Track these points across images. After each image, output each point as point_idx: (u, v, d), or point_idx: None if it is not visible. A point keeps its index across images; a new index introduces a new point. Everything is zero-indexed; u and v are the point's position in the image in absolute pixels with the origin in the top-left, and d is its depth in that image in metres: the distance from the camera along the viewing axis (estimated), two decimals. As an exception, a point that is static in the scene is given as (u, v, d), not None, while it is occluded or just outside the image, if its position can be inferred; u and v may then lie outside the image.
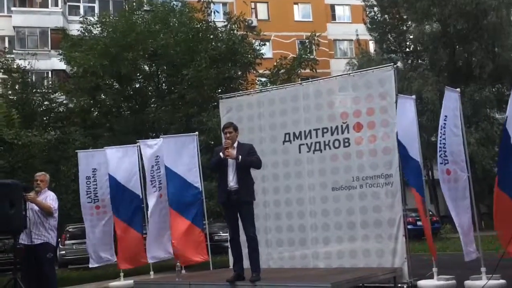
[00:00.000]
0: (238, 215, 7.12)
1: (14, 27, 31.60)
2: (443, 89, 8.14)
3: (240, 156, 6.99)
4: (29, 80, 18.35)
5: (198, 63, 16.07)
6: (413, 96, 8.29)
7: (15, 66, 17.82)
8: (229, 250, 8.95)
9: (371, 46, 32.44)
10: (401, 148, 7.71)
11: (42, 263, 7.81)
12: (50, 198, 8.05)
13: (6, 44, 31.07)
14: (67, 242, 19.57)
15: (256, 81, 19.49)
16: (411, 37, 26.61)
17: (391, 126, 8.01)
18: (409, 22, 26.62)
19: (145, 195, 10.77)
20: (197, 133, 10.86)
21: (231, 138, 7.15)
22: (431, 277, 7.61)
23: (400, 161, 7.80)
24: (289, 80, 16.53)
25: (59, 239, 20.14)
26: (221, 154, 7.07)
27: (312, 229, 8.72)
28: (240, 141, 7.39)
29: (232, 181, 7.03)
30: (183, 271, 9.36)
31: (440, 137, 7.67)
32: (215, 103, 15.62)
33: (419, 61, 27.09)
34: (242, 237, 7.19)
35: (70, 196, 14.64)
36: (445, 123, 7.68)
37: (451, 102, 7.87)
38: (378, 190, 8.15)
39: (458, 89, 8.22)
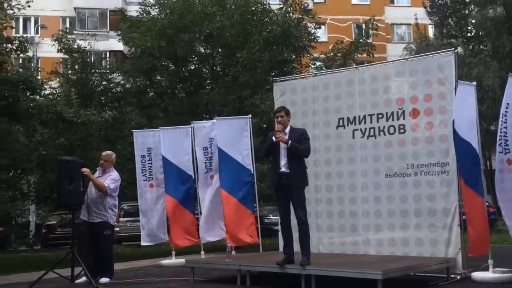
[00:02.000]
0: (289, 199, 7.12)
1: (74, 8, 32.47)
2: (504, 76, 7.82)
3: (290, 141, 6.97)
4: (88, 60, 18.84)
5: (252, 45, 16.06)
6: (474, 83, 8.01)
7: (75, 47, 18.31)
8: (279, 233, 9.03)
9: (430, 31, 31.51)
10: (457, 137, 7.42)
11: (99, 240, 8.08)
12: (110, 178, 8.26)
13: (67, 25, 31.95)
14: (121, 219, 20.14)
15: (311, 65, 19.32)
16: (473, 21, 25.68)
17: (449, 113, 7.78)
18: (472, 6, 25.68)
19: (197, 176, 10.92)
20: (250, 115, 10.88)
21: (283, 122, 7.14)
22: (486, 269, 7.39)
23: (458, 151, 7.52)
24: (344, 65, 16.31)
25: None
26: (273, 138, 7.07)
27: (364, 215, 8.62)
28: (293, 126, 7.37)
29: (283, 165, 7.04)
30: (233, 252, 9.47)
31: (501, 125, 7.36)
32: (268, 86, 15.61)
33: (481, 47, 26.15)
34: (294, 221, 7.20)
35: (125, 175, 14.99)
36: (506, 111, 7.37)
37: (514, 90, 7.55)
38: (433, 178, 7.96)
39: (523, 76, 7.88)
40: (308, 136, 7.28)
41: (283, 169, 7.05)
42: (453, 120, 7.47)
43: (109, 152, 8.56)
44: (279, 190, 7.24)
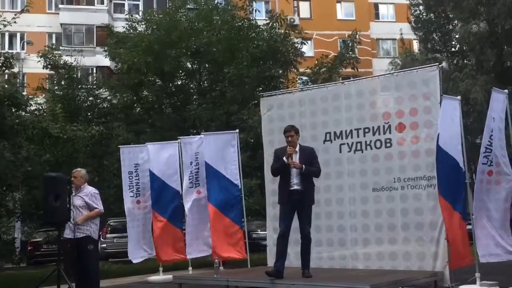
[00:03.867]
0: (296, 214, 7.22)
1: (61, 24, 32.39)
2: (490, 90, 7.92)
3: (304, 166, 7.11)
4: (75, 76, 18.78)
5: (239, 61, 16.12)
6: (458, 97, 8.10)
7: (61, 62, 18.26)
8: (267, 248, 9.01)
9: (415, 46, 31.85)
10: (440, 151, 7.46)
11: (83, 255, 7.98)
12: (92, 199, 8.11)
13: (54, 41, 31.87)
14: (108, 235, 19.95)
15: (297, 80, 19.43)
16: (457, 36, 25.98)
17: (435, 127, 7.83)
18: (455, 21, 26.01)
19: (184, 190, 10.87)
20: (237, 130, 10.90)
21: (293, 142, 7.22)
22: (474, 282, 7.42)
23: (439, 166, 7.53)
24: (330, 79, 16.42)
25: (101, 233, 20.60)
26: (284, 159, 7.17)
27: (352, 229, 8.63)
28: (301, 144, 7.46)
29: (295, 183, 7.18)
30: (221, 268, 9.41)
31: (489, 138, 7.45)
32: (256, 101, 15.66)
33: (465, 62, 26.45)
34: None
35: (112, 191, 14.93)
36: (494, 125, 7.47)
37: (498, 104, 7.65)
38: (420, 192, 8.00)
39: (506, 91, 7.99)
40: (317, 155, 7.45)
41: (295, 187, 7.17)
42: (438, 134, 7.53)
43: (78, 168, 8.47)
44: (288, 206, 7.29)
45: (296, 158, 7.23)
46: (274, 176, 7.78)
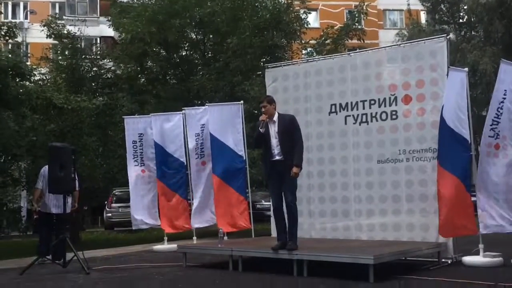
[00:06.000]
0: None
1: (64, -7, 32.08)
2: (499, 62, 7.81)
3: (294, 166, 6.92)
4: (78, 46, 18.62)
5: (242, 31, 15.98)
6: (466, 69, 8.01)
7: (65, 32, 18.11)
8: (271, 219, 9.05)
9: (422, 17, 31.47)
10: (443, 122, 7.41)
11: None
12: None
13: (57, 10, 31.59)
14: (113, 205, 20.13)
15: (302, 51, 19.24)
16: (465, 7, 25.66)
17: (441, 99, 7.78)
18: (464, -8, 25.67)
19: (189, 162, 10.90)
20: (242, 102, 10.87)
21: (266, 112, 7.12)
22: (477, 253, 7.46)
23: (442, 137, 7.48)
24: (335, 51, 16.23)
25: (106, 202, 20.77)
26: (260, 129, 7.08)
27: (356, 201, 8.67)
28: (284, 112, 7.36)
29: (277, 154, 7.08)
30: (225, 238, 9.48)
31: (498, 110, 7.36)
32: (259, 72, 15.55)
33: (473, 33, 26.17)
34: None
35: (116, 161, 14.94)
36: (504, 98, 7.37)
37: (508, 76, 7.55)
38: (425, 164, 8.01)
39: (515, 62, 7.88)
40: (297, 123, 7.27)
41: (277, 157, 7.08)
42: (442, 106, 7.47)
43: None
44: (272, 178, 7.25)
45: (275, 127, 7.13)
46: (255, 147, 7.74)
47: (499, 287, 5.82)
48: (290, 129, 7.10)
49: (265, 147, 7.23)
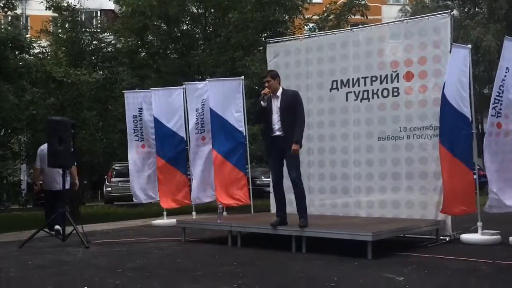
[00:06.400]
0: (284, 161, 7.10)
1: (64, -35, 31.63)
2: (503, 39, 7.71)
3: (294, 143, 6.83)
4: (78, 19, 18.46)
5: (243, 5, 15.82)
6: (469, 46, 7.92)
7: (64, 4, 17.92)
8: (271, 195, 9.06)
9: (426, -8, 31.10)
10: (444, 100, 7.35)
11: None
12: None
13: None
14: (113, 179, 20.18)
15: (304, 26, 19.07)
16: (469, -17, 25.37)
17: (443, 76, 7.70)
18: (468, -33, 25.35)
19: (189, 137, 10.87)
20: (242, 77, 10.80)
21: (270, 87, 7.04)
22: (475, 231, 7.47)
23: (443, 115, 7.43)
24: (338, 27, 16.10)
25: (105, 176, 20.82)
26: (262, 102, 7.00)
27: (355, 178, 8.66)
28: (285, 88, 7.29)
29: (277, 129, 7.02)
30: (225, 213, 9.51)
31: (499, 88, 7.29)
32: (261, 47, 15.42)
33: (476, 9, 25.90)
34: (286, 183, 7.20)
35: (117, 136, 14.92)
36: (506, 75, 7.29)
37: (511, 53, 7.45)
38: (426, 141, 7.97)
39: (519, 39, 7.78)
40: (300, 99, 7.15)
41: (277, 133, 7.03)
42: (444, 83, 7.41)
43: None
44: (272, 153, 7.21)
45: (277, 103, 7.05)
46: (256, 123, 7.67)
47: (497, 265, 5.84)
48: (292, 105, 6.99)
49: (266, 122, 7.18)
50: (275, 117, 7.03)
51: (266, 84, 7.06)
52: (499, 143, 7.35)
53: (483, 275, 5.30)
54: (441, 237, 7.64)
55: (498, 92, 7.29)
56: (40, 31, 17.68)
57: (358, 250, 6.36)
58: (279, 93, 7.09)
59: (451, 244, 7.42)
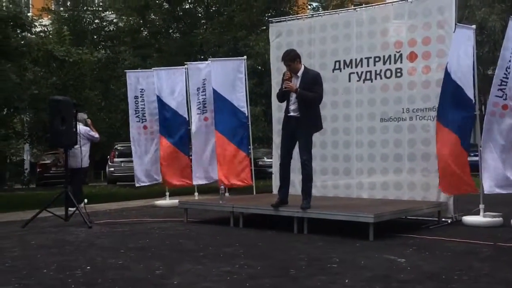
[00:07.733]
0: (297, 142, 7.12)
1: None
2: (508, 19, 7.61)
3: (298, 89, 6.86)
4: (80, -3, 18.40)
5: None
6: (473, 26, 7.83)
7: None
8: (273, 175, 9.06)
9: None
10: (447, 78, 7.29)
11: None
12: None
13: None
14: (115, 159, 20.19)
15: (307, 6, 18.92)
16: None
17: (447, 57, 7.63)
18: None
19: (191, 117, 10.83)
20: (245, 57, 10.72)
21: (292, 69, 6.98)
22: (477, 213, 7.48)
23: (444, 93, 7.38)
24: (341, 6, 15.98)
25: (108, 156, 20.86)
26: (282, 85, 6.97)
27: (358, 159, 8.65)
28: (307, 67, 7.24)
29: (293, 110, 7.02)
30: (227, 194, 9.52)
31: (505, 70, 7.20)
32: (264, 27, 15.31)
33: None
34: (292, 164, 7.24)
35: (119, 116, 14.92)
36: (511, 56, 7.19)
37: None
38: (429, 123, 7.93)
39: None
40: (321, 81, 7.08)
41: (292, 113, 7.03)
42: (447, 63, 7.34)
43: None
44: (285, 132, 7.22)
45: (297, 83, 6.99)
46: (279, 102, 7.66)
47: (498, 247, 5.85)
48: (311, 86, 6.95)
49: (286, 102, 7.18)
50: (293, 98, 7.02)
51: (288, 68, 7.01)
52: (502, 124, 7.27)
53: (484, 257, 5.30)
54: (443, 219, 7.65)
55: (505, 73, 7.18)
56: (42, 9, 17.58)
57: (360, 232, 6.37)
58: (300, 73, 7.03)
59: (452, 226, 7.43)
